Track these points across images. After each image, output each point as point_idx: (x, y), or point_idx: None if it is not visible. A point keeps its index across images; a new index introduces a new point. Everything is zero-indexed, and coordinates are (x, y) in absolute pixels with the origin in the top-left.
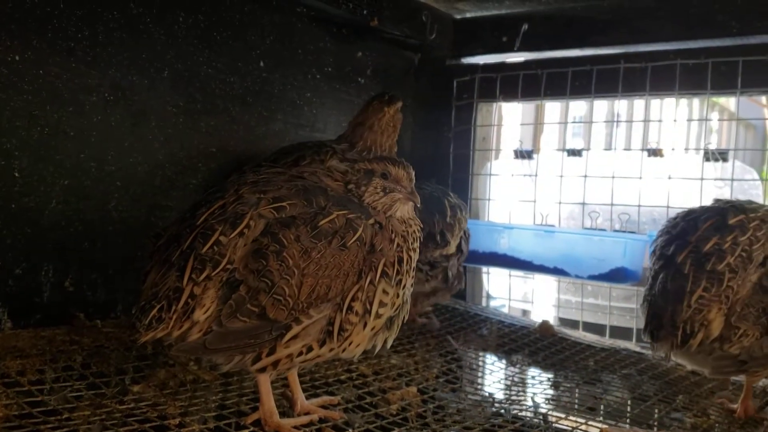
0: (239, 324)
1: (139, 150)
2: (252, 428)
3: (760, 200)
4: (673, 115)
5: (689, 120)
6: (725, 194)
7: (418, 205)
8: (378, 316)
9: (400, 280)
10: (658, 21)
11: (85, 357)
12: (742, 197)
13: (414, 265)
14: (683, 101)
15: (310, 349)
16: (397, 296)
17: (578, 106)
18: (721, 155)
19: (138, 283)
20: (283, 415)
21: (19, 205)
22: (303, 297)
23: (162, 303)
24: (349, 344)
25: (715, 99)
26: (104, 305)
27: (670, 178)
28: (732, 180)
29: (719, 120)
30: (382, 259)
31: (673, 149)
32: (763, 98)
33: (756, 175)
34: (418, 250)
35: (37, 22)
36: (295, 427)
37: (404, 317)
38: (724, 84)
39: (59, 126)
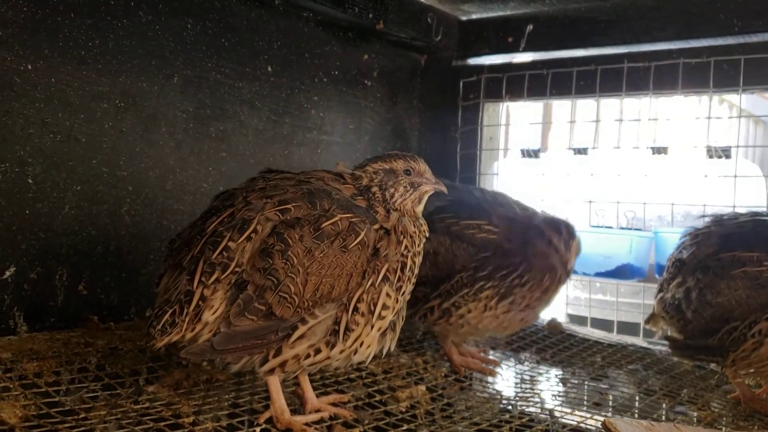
0: (247, 323)
1: (150, 155)
2: (264, 426)
3: (763, 197)
4: (680, 113)
5: (697, 118)
6: (729, 191)
7: (446, 192)
8: (381, 317)
9: (400, 287)
10: (660, 20)
11: (99, 359)
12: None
13: (417, 271)
14: (693, 98)
15: (318, 351)
16: (397, 301)
17: (588, 104)
18: (723, 152)
19: (151, 286)
20: (294, 412)
21: (33, 210)
22: (308, 295)
23: (174, 307)
24: (360, 345)
25: (725, 96)
26: (118, 308)
27: (674, 176)
28: (735, 177)
29: (729, 118)
30: (386, 264)
31: (680, 146)
32: None
33: (759, 172)
34: (421, 254)
35: (48, 32)
36: (306, 424)
37: (403, 318)
38: (726, 82)
39: (71, 133)
